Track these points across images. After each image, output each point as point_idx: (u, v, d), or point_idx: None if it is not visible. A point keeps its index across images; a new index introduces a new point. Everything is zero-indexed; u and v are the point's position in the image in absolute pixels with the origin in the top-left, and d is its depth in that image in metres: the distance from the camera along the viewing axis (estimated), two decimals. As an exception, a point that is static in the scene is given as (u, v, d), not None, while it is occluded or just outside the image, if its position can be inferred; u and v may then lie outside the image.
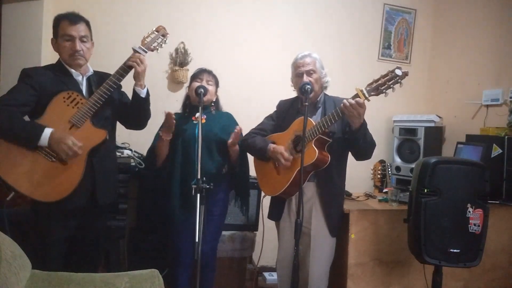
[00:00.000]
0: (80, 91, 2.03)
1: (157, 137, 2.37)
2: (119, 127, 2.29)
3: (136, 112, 2.16)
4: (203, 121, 2.36)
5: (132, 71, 2.06)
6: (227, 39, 3.46)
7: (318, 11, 3.67)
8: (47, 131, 1.86)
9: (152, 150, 2.42)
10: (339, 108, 2.00)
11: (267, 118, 2.48)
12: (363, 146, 2.13)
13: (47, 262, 1.93)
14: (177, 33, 3.23)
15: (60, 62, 2.07)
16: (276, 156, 2.21)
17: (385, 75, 1.96)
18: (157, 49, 2.15)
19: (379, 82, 1.97)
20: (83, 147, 1.91)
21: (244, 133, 2.49)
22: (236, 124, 2.49)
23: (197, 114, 2.29)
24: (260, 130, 2.42)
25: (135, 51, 2.06)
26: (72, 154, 1.88)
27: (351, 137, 2.11)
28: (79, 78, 2.06)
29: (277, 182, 2.24)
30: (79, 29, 2.00)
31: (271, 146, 2.26)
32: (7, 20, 2.89)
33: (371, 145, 2.18)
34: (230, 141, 2.29)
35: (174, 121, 2.25)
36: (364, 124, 2.06)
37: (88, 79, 2.10)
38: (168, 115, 2.22)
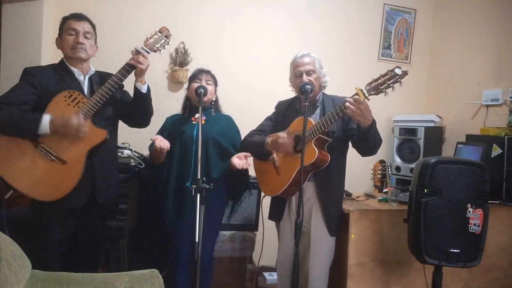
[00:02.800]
0: (82, 91, 2.04)
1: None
2: (120, 127, 2.29)
3: (138, 109, 2.16)
4: (203, 122, 2.37)
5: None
6: (227, 39, 3.46)
7: (318, 11, 3.67)
8: (46, 117, 1.87)
9: (150, 155, 2.45)
10: (339, 108, 2.01)
11: (266, 119, 2.48)
12: (372, 144, 2.13)
13: (47, 262, 1.93)
14: (177, 33, 3.20)
15: (62, 61, 2.08)
16: (276, 142, 2.20)
17: (384, 74, 1.96)
18: (160, 50, 2.15)
19: (379, 81, 1.96)
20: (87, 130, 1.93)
21: (243, 134, 2.49)
22: (236, 128, 2.51)
23: (197, 115, 2.29)
24: (259, 131, 2.42)
25: (138, 51, 2.07)
26: (83, 133, 1.91)
27: (360, 136, 2.10)
28: (81, 77, 2.07)
29: (277, 182, 2.24)
30: (84, 25, 2.05)
31: (268, 138, 2.26)
32: (7, 20, 2.89)
33: (379, 142, 2.18)
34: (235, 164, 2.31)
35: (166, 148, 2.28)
36: (374, 123, 2.06)
37: (90, 78, 2.10)
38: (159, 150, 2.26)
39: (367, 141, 2.09)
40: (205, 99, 2.35)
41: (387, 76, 1.95)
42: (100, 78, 2.11)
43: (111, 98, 2.04)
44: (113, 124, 2.18)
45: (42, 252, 1.97)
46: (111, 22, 3.18)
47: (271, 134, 2.36)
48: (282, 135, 2.20)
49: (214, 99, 2.49)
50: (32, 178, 1.88)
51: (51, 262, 1.97)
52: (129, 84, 2.17)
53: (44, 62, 2.78)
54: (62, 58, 2.09)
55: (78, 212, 2.02)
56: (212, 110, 2.48)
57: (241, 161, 2.32)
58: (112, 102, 2.10)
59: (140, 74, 2.07)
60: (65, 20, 2.07)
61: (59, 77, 2.02)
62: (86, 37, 2.04)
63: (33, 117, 1.89)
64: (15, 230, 1.92)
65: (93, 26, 2.11)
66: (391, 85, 1.94)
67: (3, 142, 1.89)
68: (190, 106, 2.49)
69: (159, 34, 2.14)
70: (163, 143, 2.25)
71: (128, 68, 2.04)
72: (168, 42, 2.17)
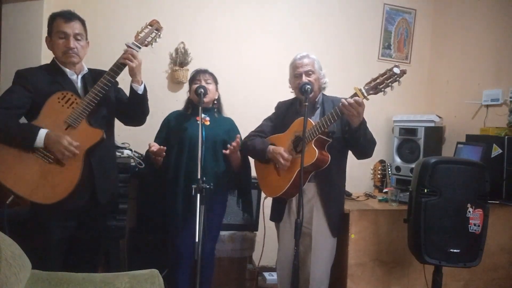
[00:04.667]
0: (75, 91, 2.01)
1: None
2: (120, 126, 2.29)
3: (134, 108, 2.14)
4: (207, 123, 2.37)
5: (127, 68, 2.03)
6: (227, 39, 3.46)
7: (318, 12, 3.67)
8: (42, 132, 1.86)
9: (147, 160, 2.43)
10: (338, 107, 2.01)
11: (266, 120, 2.48)
12: (363, 145, 2.13)
13: (47, 262, 1.93)
14: (177, 33, 3.23)
15: (54, 61, 2.05)
16: (275, 157, 2.20)
17: (383, 73, 1.96)
18: (151, 44, 2.10)
19: (378, 81, 1.97)
20: (80, 146, 1.90)
21: (244, 135, 2.49)
22: (237, 130, 2.50)
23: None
24: (259, 132, 2.42)
25: (128, 47, 2.03)
26: (69, 154, 1.87)
27: (351, 136, 2.10)
28: (73, 77, 2.05)
29: (277, 183, 2.24)
30: (74, 27, 1.99)
31: (270, 147, 2.26)
32: (7, 20, 2.89)
33: (372, 143, 2.18)
34: (228, 150, 2.28)
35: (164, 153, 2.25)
36: (363, 123, 2.06)
37: (83, 77, 2.08)
38: (159, 150, 2.22)
39: (357, 141, 2.10)
40: (207, 99, 2.35)
41: (386, 75, 1.95)
42: (94, 76, 2.08)
43: (105, 97, 2.01)
44: (109, 123, 2.15)
45: (42, 252, 1.96)
46: (109, 21, 3.18)
47: (272, 136, 2.36)
48: (284, 152, 2.18)
49: (216, 98, 2.49)
50: (31, 182, 1.87)
51: (51, 262, 1.97)
52: (126, 83, 2.15)
53: (44, 62, 2.77)
54: (53, 58, 2.06)
55: (78, 212, 2.02)
56: (215, 111, 2.49)
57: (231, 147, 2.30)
58: (107, 100, 2.07)
59: (132, 72, 2.03)
60: (53, 18, 2.00)
61: (51, 78, 1.99)
62: (77, 39, 2.00)
63: (29, 131, 1.87)
64: (15, 230, 1.92)
65: (83, 23, 2.04)
66: (390, 84, 1.94)
67: (1, 147, 1.87)
68: (192, 106, 2.49)
69: (150, 27, 2.09)
70: (159, 150, 2.23)
71: (120, 65, 2.00)
72: (159, 35, 2.11)
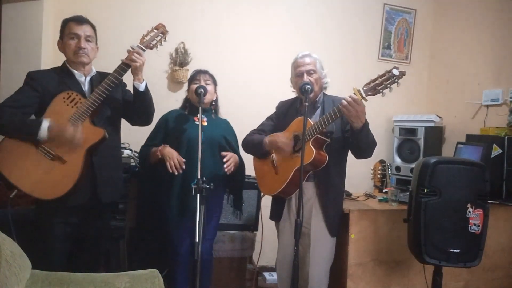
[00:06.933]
0: (82, 92, 2.06)
1: (150, 143, 2.42)
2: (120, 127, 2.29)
3: (138, 107, 2.17)
4: (204, 123, 2.37)
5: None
6: (227, 39, 3.46)
7: (318, 12, 3.67)
8: (45, 124, 1.91)
9: (146, 157, 2.43)
10: (337, 108, 2.01)
11: (267, 119, 2.49)
12: (364, 146, 2.13)
13: (51, 260, 1.97)
14: (177, 33, 3.22)
15: (64, 64, 2.11)
16: (274, 142, 2.21)
17: (382, 75, 1.96)
18: (156, 47, 2.16)
19: (376, 82, 1.97)
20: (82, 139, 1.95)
21: (244, 135, 2.49)
22: (233, 131, 2.52)
23: (199, 116, 2.29)
24: (259, 131, 2.43)
25: (133, 49, 2.07)
26: (77, 141, 1.93)
27: (352, 137, 2.11)
28: (81, 79, 2.10)
29: (275, 181, 2.24)
30: (85, 29, 2.07)
31: (266, 138, 2.27)
32: (7, 20, 2.89)
33: (373, 144, 2.18)
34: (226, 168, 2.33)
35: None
36: (366, 125, 2.06)
37: (91, 79, 2.12)
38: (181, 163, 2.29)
39: (359, 143, 2.10)
40: (205, 99, 2.35)
41: (385, 76, 1.95)
42: (101, 78, 2.12)
43: (110, 98, 2.05)
44: (114, 124, 2.18)
45: (46, 250, 2.00)
46: (111, 23, 3.18)
47: (271, 135, 2.36)
48: (281, 137, 2.20)
49: (214, 99, 2.50)
50: (34, 178, 1.92)
51: (54, 260, 2.00)
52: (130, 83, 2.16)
53: (43, 63, 2.79)
54: (64, 61, 2.12)
55: (80, 209, 2.05)
56: (213, 112, 2.49)
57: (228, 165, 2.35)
58: (112, 101, 2.12)
59: (135, 71, 2.07)
60: (66, 22, 2.09)
61: (60, 79, 2.05)
62: (87, 41, 2.07)
63: (32, 124, 1.94)
64: (19, 230, 1.96)
65: (94, 28, 2.13)
66: (388, 86, 1.94)
67: (7, 144, 1.94)
68: (190, 106, 2.49)
69: (155, 31, 2.14)
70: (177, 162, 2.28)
71: (124, 66, 2.05)
72: (164, 38, 2.16)
